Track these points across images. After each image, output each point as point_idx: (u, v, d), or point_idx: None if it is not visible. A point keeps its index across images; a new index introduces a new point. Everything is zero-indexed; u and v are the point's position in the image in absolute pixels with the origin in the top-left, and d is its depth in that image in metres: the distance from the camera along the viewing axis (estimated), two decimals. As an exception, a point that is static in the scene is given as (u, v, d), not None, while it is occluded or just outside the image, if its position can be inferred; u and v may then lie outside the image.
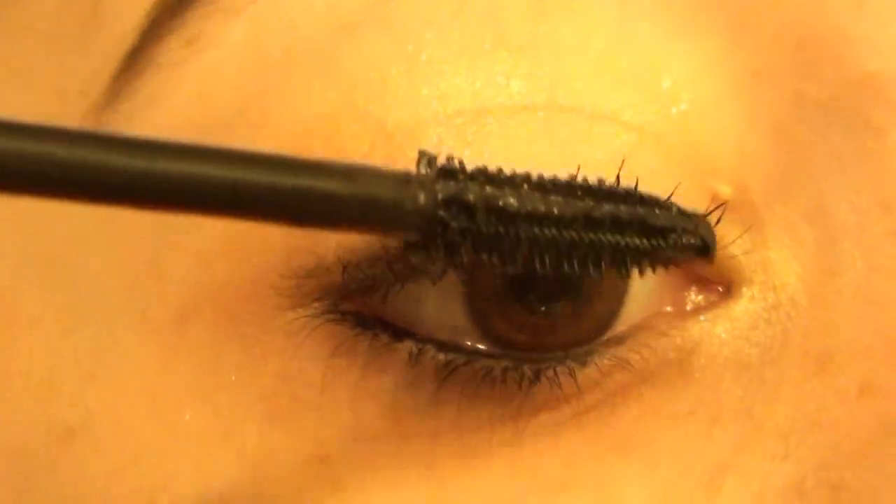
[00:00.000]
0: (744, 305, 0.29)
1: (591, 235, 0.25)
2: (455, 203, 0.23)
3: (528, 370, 0.28)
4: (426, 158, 0.24)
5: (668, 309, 0.29)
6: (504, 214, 0.24)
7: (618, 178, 0.26)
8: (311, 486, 0.28)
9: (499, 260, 0.24)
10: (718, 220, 0.28)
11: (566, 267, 0.25)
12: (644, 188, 0.27)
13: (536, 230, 0.24)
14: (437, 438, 0.28)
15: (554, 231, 0.24)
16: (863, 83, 0.28)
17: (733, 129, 0.28)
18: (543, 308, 0.28)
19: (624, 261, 0.25)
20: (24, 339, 0.31)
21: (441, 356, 0.28)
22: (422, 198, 0.23)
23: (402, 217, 0.23)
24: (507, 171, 0.25)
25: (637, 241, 0.25)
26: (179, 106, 0.29)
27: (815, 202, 0.29)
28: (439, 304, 0.28)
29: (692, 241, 0.26)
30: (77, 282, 0.30)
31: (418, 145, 0.27)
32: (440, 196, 0.23)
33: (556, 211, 0.24)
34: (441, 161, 0.24)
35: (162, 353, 0.29)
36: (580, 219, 0.24)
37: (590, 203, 0.25)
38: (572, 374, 0.28)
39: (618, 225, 0.25)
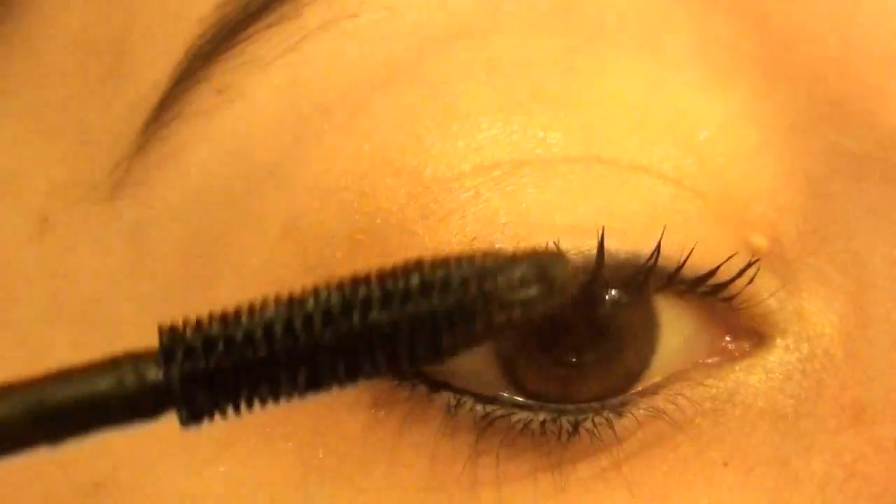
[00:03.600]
0: (778, 356, 0.29)
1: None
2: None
3: (566, 422, 0.28)
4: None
5: (702, 359, 0.29)
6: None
7: None
8: None
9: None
10: (754, 276, 0.29)
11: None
12: (680, 239, 0.28)
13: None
14: (477, 490, 0.28)
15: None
16: None
17: (768, 181, 0.29)
18: (574, 359, 0.29)
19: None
20: None
21: (479, 408, 0.28)
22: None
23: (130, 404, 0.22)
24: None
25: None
26: (207, 157, 0.29)
27: (850, 253, 0.29)
28: (471, 359, 0.29)
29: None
30: (105, 328, 0.30)
31: (455, 196, 0.28)
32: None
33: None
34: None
35: None
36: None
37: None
38: (610, 425, 0.28)
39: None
